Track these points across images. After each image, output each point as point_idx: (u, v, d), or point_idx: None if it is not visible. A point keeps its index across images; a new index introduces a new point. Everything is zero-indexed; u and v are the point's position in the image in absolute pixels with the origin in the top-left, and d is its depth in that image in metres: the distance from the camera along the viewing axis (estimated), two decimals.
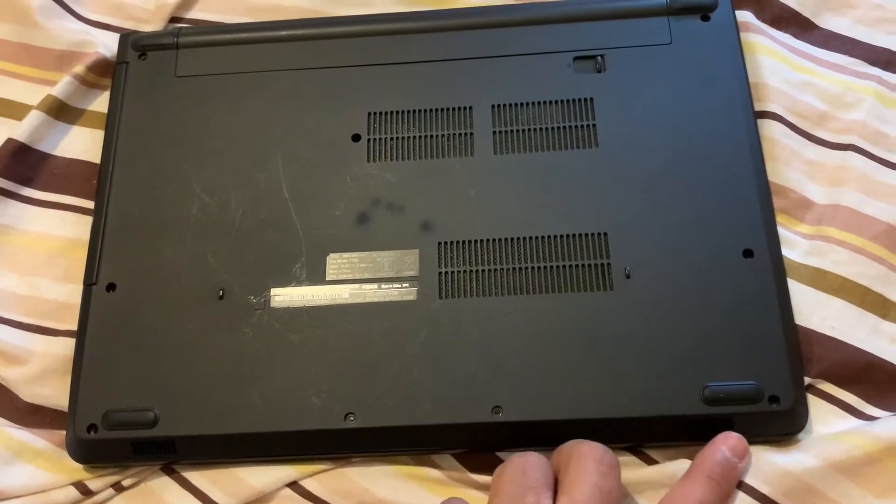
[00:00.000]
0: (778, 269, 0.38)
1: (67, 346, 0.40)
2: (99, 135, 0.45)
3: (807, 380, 0.37)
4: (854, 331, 0.38)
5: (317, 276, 0.39)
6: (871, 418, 0.36)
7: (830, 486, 0.34)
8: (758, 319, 0.37)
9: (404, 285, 0.39)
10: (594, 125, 0.41)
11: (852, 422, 0.36)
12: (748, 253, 0.38)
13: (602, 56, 0.43)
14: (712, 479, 0.33)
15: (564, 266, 0.38)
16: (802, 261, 0.39)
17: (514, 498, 0.31)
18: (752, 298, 0.37)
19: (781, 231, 0.40)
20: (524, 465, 0.33)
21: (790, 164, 0.41)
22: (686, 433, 0.36)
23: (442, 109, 0.42)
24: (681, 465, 0.35)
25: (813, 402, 0.37)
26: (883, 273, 0.39)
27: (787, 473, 0.34)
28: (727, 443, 0.34)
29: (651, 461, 0.36)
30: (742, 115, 0.41)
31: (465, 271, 0.39)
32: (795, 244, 0.40)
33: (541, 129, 0.42)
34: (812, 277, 0.39)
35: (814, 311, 0.38)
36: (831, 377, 0.37)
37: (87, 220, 0.42)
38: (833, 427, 0.36)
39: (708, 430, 0.35)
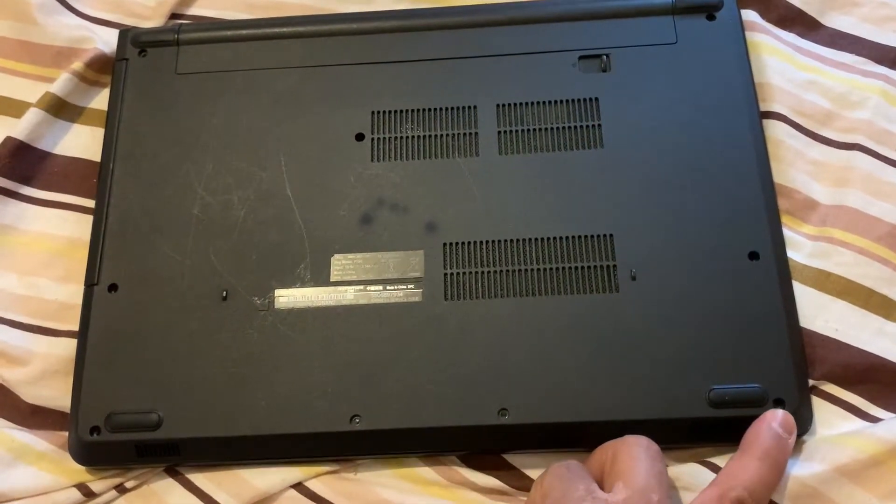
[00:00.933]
0: (783, 272, 0.38)
1: (69, 346, 0.40)
2: (99, 133, 0.44)
3: (810, 382, 0.37)
4: (857, 332, 0.38)
5: (321, 277, 0.39)
6: (874, 419, 0.36)
7: (835, 490, 0.34)
8: (763, 322, 0.37)
9: (409, 287, 0.38)
10: (599, 125, 0.41)
11: (856, 422, 0.36)
12: (753, 255, 0.38)
13: (607, 55, 0.43)
14: (769, 455, 0.33)
15: (570, 268, 0.38)
16: (806, 262, 0.39)
17: (565, 492, 0.32)
18: (757, 301, 0.37)
19: (786, 232, 0.40)
20: (567, 465, 0.33)
21: (794, 164, 0.41)
22: (691, 436, 0.36)
23: (446, 108, 0.42)
24: (688, 469, 0.35)
25: (817, 403, 0.37)
26: (887, 274, 0.39)
27: (791, 478, 0.34)
28: (776, 419, 0.34)
29: None
30: (747, 115, 0.41)
31: (470, 273, 0.38)
32: (800, 246, 0.40)
33: (545, 129, 0.41)
34: (816, 279, 0.39)
35: (817, 313, 0.38)
36: (835, 379, 0.37)
37: (88, 220, 0.42)
38: (837, 429, 0.36)
39: (713, 433, 0.36)
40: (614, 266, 0.38)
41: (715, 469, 0.35)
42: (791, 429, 0.34)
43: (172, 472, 0.38)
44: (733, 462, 0.33)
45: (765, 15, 0.45)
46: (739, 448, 0.34)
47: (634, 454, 0.32)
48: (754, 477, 0.32)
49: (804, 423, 0.36)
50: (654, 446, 0.33)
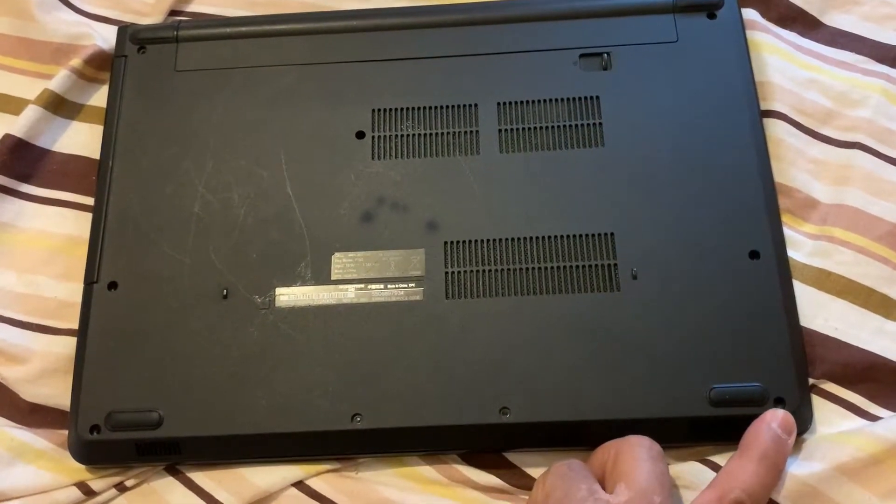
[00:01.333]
0: (783, 271, 0.38)
1: (68, 345, 0.40)
2: (98, 130, 0.44)
3: (810, 380, 0.37)
4: (857, 331, 0.38)
5: (322, 276, 0.39)
6: (874, 417, 0.36)
7: (835, 488, 0.34)
8: (763, 321, 0.37)
9: (410, 285, 0.38)
10: (600, 123, 0.41)
11: (856, 421, 0.36)
12: (754, 254, 0.38)
13: (608, 53, 0.43)
14: (767, 456, 0.33)
15: (571, 266, 0.38)
16: (807, 261, 0.39)
17: (567, 491, 0.32)
18: (757, 300, 0.37)
19: (786, 231, 0.40)
20: (568, 465, 0.33)
21: (795, 163, 0.41)
22: (692, 434, 0.36)
23: (447, 107, 0.42)
24: (689, 468, 0.35)
25: (817, 402, 0.37)
26: (887, 273, 0.39)
27: (791, 477, 0.34)
28: (776, 419, 0.34)
29: None
30: (747, 114, 0.41)
31: (471, 271, 0.38)
32: (800, 245, 0.40)
33: (546, 127, 0.41)
34: (816, 278, 0.39)
35: (817, 312, 0.38)
36: (835, 377, 0.37)
37: (87, 217, 0.42)
38: (837, 427, 0.36)
39: (714, 432, 0.36)
40: (615, 265, 0.38)
41: (716, 468, 0.35)
42: (790, 429, 0.34)
43: (173, 470, 0.38)
44: (732, 463, 0.33)
45: (765, 14, 0.45)
46: (738, 448, 0.34)
47: (636, 455, 0.32)
48: (752, 478, 0.32)
49: (804, 421, 0.36)
50: (656, 447, 0.33)
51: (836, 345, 0.37)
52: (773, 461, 0.33)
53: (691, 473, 0.35)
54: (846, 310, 0.38)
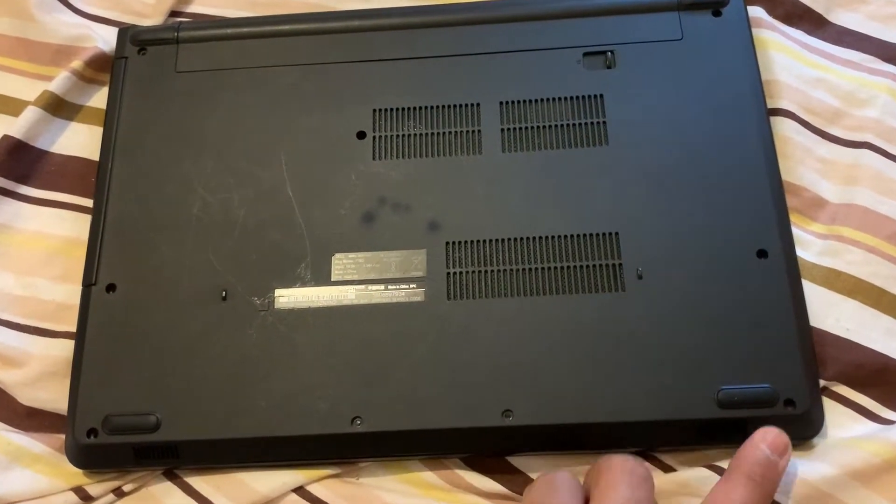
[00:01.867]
0: (792, 270, 0.37)
1: (66, 347, 0.39)
2: (97, 131, 0.44)
3: (821, 382, 0.36)
4: (869, 332, 0.37)
5: (322, 277, 0.38)
6: (886, 421, 0.36)
7: (847, 493, 0.33)
8: (772, 321, 0.36)
9: (411, 286, 0.38)
10: (604, 122, 0.41)
11: (868, 425, 0.36)
12: (762, 253, 0.37)
13: (612, 52, 0.42)
14: (753, 479, 0.31)
15: (575, 266, 0.38)
16: (816, 261, 0.39)
17: None
18: (766, 300, 0.36)
19: (795, 231, 0.39)
20: (552, 482, 0.32)
21: (803, 162, 0.41)
22: (700, 437, 0.35)
23: (449, 106, 0.42)
24: (696, 474, 0.35)
25: (828, 405, 0.36)
26: None
27: (802, 482, 0.33)
28: (766, 439, 0.32)
29: (667, 467, 0.36)
30: (754, 112, 0.40)
31: (473, 272, 0.38)
32: (809, 244, 0.39)
33: (550, 126, 0.41)
34: (826, 278, 0.38)
35: (828, 312, 0.37)
36: (846, 379, 0.36)
37: (86, 219, 0.41)
38: (849, 431, 0.36)
39: (722, 434, 0.35)
40: (620, 265, 0.37)
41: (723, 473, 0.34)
42: (783, 449, 0.32)
43: (171, 475, 0.37)
44: (718, 487, 0.32)
45: (771, 11, 0.45)
46: (728, 468, 0.32)
47: (613, 480, 0.31)
48: (738, 501, 0.31)
49: (816, 424, 0.35)
50: (641, 470, 0.32)
51: (848, 346, 0.37)
52: (759, 483, 0.31)
53: (698, 480, 0.34)
54: (857, 310, 0.38)
